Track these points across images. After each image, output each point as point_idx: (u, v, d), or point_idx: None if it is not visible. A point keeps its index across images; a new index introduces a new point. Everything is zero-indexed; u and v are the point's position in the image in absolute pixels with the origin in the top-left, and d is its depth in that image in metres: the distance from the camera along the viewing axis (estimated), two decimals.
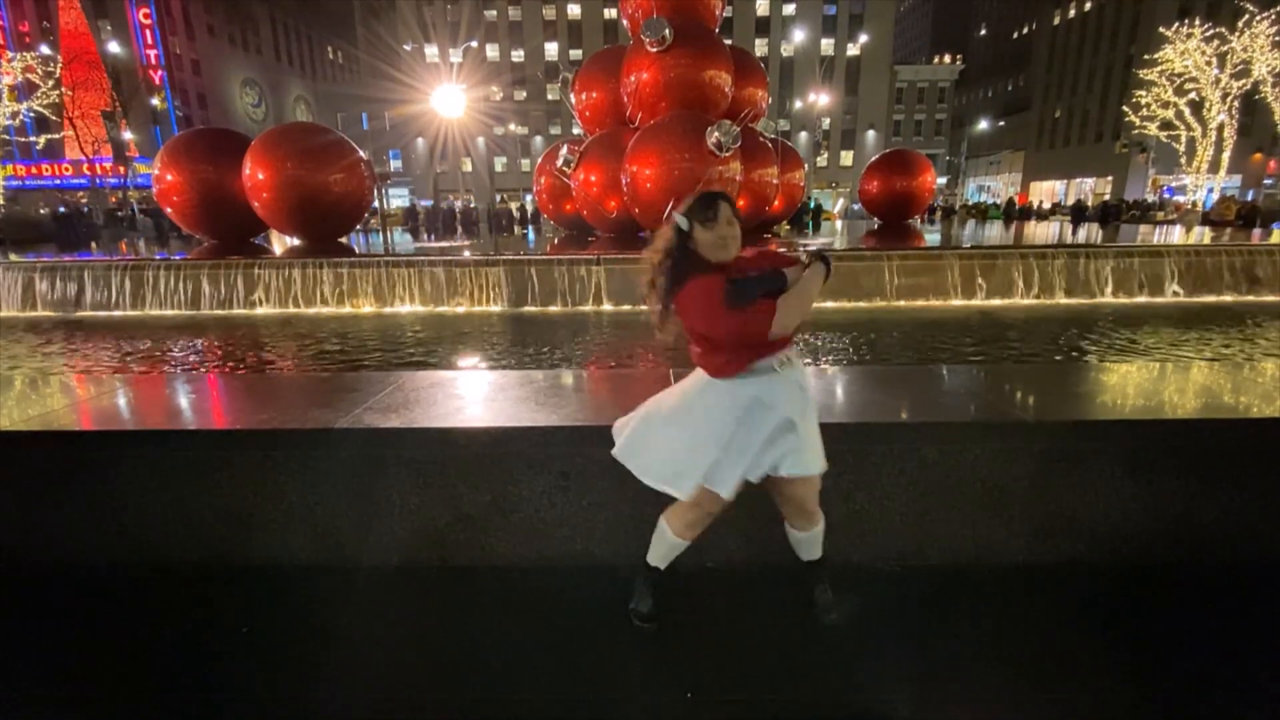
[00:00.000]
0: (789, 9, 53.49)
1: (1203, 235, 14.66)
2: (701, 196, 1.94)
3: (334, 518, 2.59)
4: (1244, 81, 30.49)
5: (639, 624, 2.20)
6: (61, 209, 25.22)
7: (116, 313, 9.98)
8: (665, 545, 2.17)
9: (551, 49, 53.52)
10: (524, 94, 54.55)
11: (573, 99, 14.46)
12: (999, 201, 38.38)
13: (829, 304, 9.38)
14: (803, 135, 50.69)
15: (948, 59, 61.56)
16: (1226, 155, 32.19)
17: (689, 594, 2.42)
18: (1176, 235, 15.03)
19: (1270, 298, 9.68)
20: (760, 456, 1.96)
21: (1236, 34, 30.18)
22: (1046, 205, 39.91)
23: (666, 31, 11.73)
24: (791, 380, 1.99)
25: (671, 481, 2.01)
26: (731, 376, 1.96)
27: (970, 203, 29.71)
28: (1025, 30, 59.40)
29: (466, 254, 10.87)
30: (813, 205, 23.95)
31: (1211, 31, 30.74)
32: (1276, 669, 2.03)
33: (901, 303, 9.64)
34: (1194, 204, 25.16)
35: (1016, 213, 31.07)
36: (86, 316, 9.89)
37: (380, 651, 2.16)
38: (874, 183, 16.83)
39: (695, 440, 1.98)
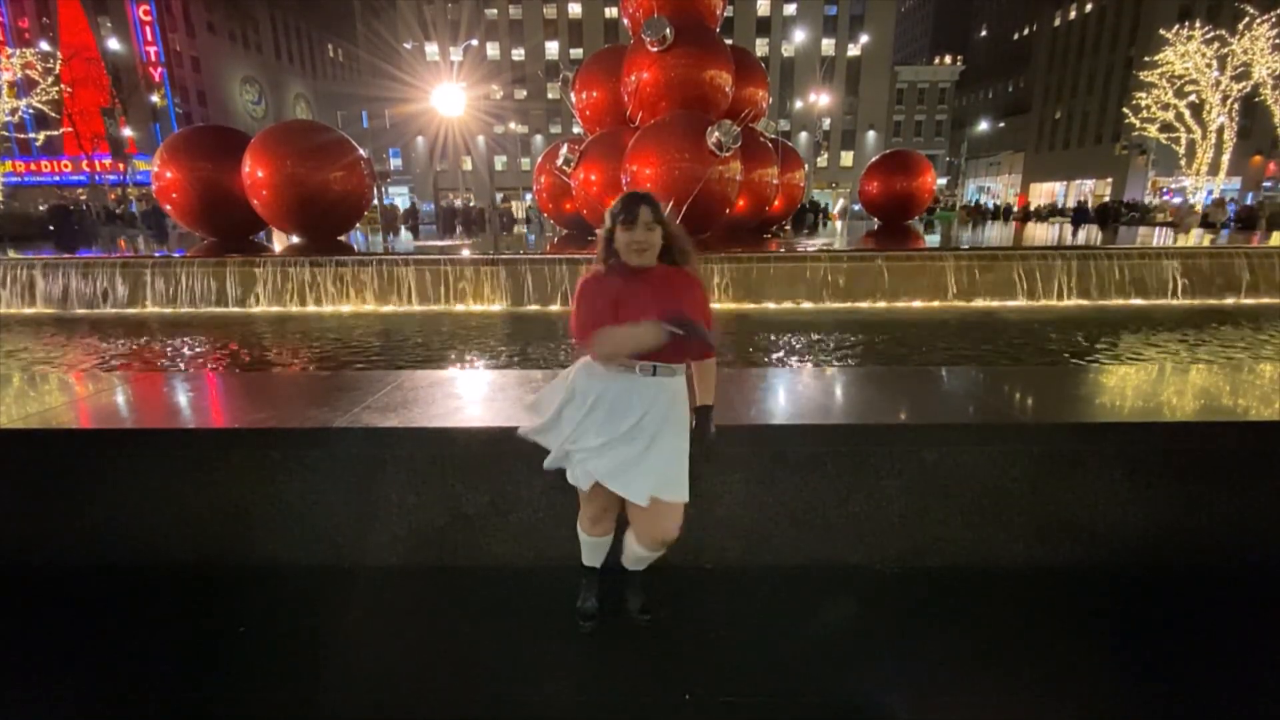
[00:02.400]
0: (790, 9, 53.44)
1: (1201, 238, 14.66)
2: (625, 197, 1.93)
3: (332, 517, 2.59)
4: (1244, 84, 30.46)
5: (580, 622, 2.22)
6: (58, 205, 25.15)
7: (113, 310, 9.98)
8: (582, 543, 2.23)
9: (552, 48, 53.47)
10: (524, 93, 54.48)
11: (573, 98, 14.43)
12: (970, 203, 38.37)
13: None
14: (803, 135, 50.63)
15: (948, 60, 61.51)
16: (1226, 158, 32.20)
17: (687, 594, 2.42)
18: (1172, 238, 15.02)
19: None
20: (580, 452, 1.97)
21: (1237, 36, 30.16)
22: (1037, 206, 39.96)
23: (667, 31, 11.72)
24: (656, 390, 1.95)
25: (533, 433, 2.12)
26: (594, 357, 1.99)
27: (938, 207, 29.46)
28: (1025, 31, 59.39)
29: (466, 253, 10.88)
30: (808, 204, 23.79)
31: (1212, 34, 30.73)
32: (1275, 671, 2.03)
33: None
34: (1193, 206, 25.13)
35: (983, 213, 30.29)
36: (84, 314, 9.88)
37: (378, 651, 2.16)
38: (874, 183, 16.83)
39: (550, 402, 2.09)
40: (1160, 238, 14.39)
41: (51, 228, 20.16)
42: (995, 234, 17.74)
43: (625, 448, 1.93)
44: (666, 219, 1.94)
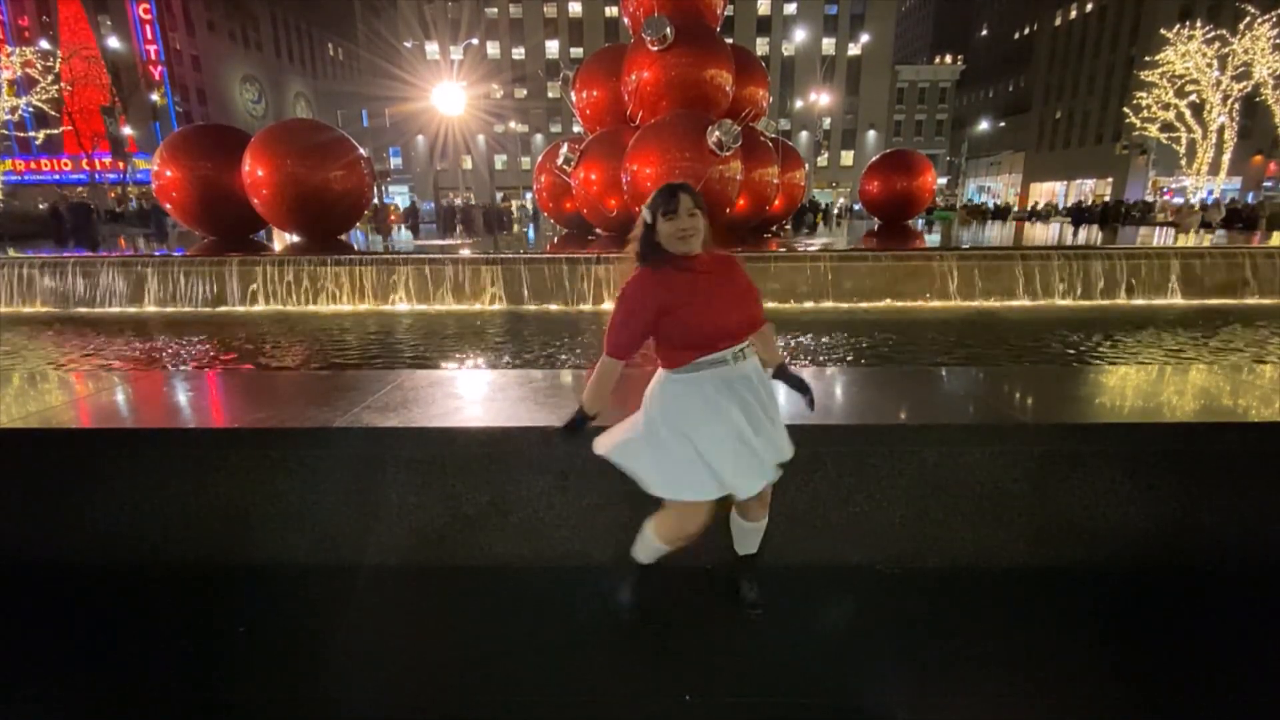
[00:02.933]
0: (790, 8, 53.40)
1: (1201, 238, 14.65)
2: (662, 188, 1.93)
3: (332, 517, 2.58)
4: (1245, 84, 30.47)
5: (621, 616, 2.23)
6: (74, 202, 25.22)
7: (113, 309, 9.97)
8: (652, 550, 2.16)
9: (552, 47, 53.42)
10: (524, 92, 54.44)
11: (573, 97, 14.42)
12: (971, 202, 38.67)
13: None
14: (803, 135, 50.65)
15: (949, 59, 61.46)
16: (1227, 157, 32.19)
17: (687, 594, 2.41)
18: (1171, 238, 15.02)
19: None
20: (750, 452, 1.95)
21: (1238, 36, 30.16)
22: (1046, 205, 40.02)
23: (668, 30, 11.71)
24: (747, 372, 1.98)
25: (669, 488, 1.99)
26: (680, 368, 1.95)
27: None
28: (1026, 31, 59.33)
29: (465, 252, 10.87)
30: (808, 203, 23.67)
31: (1212, 33, 30.73)
32: (1275, 672, 2.03)
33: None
34: (1193, 206, 25.13)
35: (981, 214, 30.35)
36: (84, 313, 9.87)
37: (378, 652, 2.15)
38: (874, 183, 16.81)
39: (668, 444, 1.96)
40: (1160, 238, 14.38)
41: (70, 225, 20.19)
42: (991, 236, 17.71)
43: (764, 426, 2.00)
44: (705, 207, 1.95)
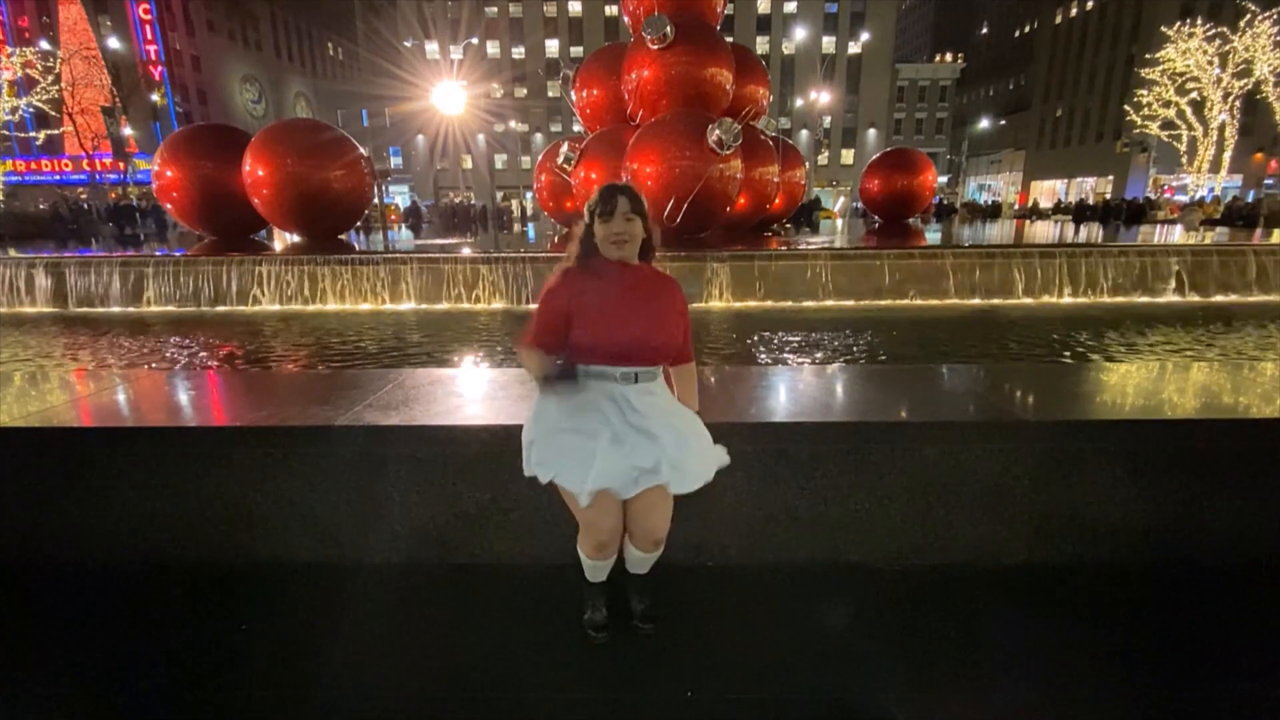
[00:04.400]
0: (790, 7, 53.34)
1: (1201, 236, 14.63)
2: (603, 188, 1.88)
3: (333, 515, 2.58)
4: (1245, 81, 30.47)
5: (591, 633, 2.16)
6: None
7: (115, 308, 9.98)
8: (584, 565, 2.16)
9: (552, 46, 53.40)
10: (524, 91, 54.42)
11: (573, 96, 14.42)
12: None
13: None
14: (804, 133, 50.60)
15: (949, 58, 61.45)
16: (1228, 155, 32.16)
17: (689, 592, 2.42)
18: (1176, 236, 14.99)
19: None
20: (594, 463, 1.86)
21: (1238, 34, 30.15)
22: (1063, 204, 39.93)
23: (668, 29, 11.71)
24: (630, 395, 1.88)
25: (545, 468, 1.99)
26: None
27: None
28: (1027, 29, 59.28)
29: (465, 251, 10.88)
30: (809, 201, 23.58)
31: (1213, 31, 30.71)
32: (1275, 671, 2.03)
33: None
34: (1199, 202, 25.08)
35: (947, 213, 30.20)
36: (84, 313, 9.88)
37: (379, 650, 2.15)
38: (875, 181, 16.81)
39: (535, 426, 2.00)
40: (1161, 236, 14.36)
41: (114, 224, 20.51)
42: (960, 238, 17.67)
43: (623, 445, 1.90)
44: (646, 212, 1.89)
